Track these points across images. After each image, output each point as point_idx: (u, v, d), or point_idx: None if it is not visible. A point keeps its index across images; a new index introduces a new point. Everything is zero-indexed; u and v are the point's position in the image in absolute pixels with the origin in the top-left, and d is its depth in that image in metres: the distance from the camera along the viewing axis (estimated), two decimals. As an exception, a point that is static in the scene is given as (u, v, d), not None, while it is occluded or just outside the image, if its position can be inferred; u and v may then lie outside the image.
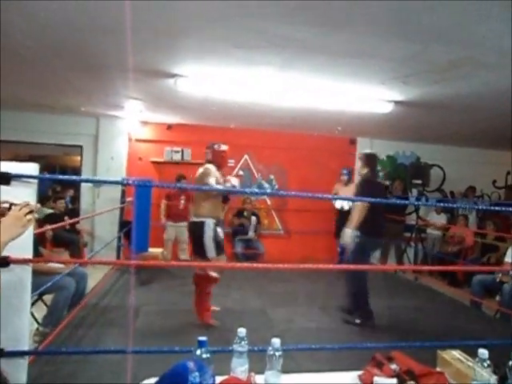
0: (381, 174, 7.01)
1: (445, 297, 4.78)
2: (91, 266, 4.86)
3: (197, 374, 1.14)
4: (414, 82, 3.41)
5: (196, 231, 3.29)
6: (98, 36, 2.77)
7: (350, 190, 5.66)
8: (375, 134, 6.59)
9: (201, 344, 1.20)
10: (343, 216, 5.41)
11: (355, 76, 3.40)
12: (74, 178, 2.51)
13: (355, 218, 3.41)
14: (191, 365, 1.18)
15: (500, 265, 4.68)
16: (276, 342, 1.27)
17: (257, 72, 3.42)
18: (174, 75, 3.61)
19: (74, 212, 6.21)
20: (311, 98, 4.11)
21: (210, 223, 3.26)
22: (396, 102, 4.10)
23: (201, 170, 3.46)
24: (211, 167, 3.43)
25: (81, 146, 6.31)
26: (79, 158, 6.47)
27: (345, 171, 6.02)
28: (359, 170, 3.72)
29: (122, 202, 5.53)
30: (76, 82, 4.08)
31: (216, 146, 3.57)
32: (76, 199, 6.61)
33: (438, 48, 2.64)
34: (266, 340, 2.77)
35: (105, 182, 5.08)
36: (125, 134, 6.23)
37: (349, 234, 3.43)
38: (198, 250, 3.27)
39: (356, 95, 3.99)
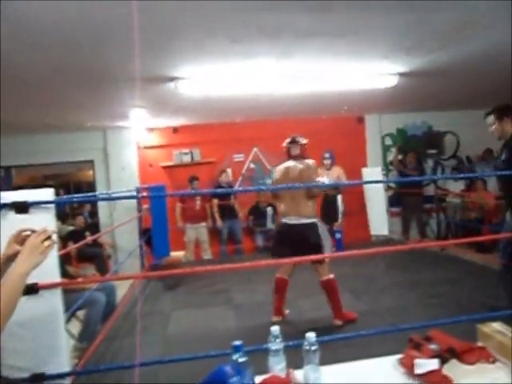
0: (393, 148, 6.90)
1: (474, 265, 4.69)
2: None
3: (236, 378, 1.14)
4: (417, 52, 3.31)
5: (308, 233, 3.03)
6: (95, 49, 2.77)
7: (333, 175, 5.55)
8: (383, 109, 6.47)
9: (236, 348, 1.19)
10: (328, 201, 5.43)
11: (357, 54, 3.32)
12: (89, 196, 2.51)
13: None
14: (229, 369, 1.18)
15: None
16: (311, 336, 1.26)
17: (256, 64, 3.38)
18: (173, 78, 3.60)
19: (94, 226, 6.32)
20: (315, 82, 4.04)
21: (321, 224, 3.13)
22: (401, 74, 4.00)
23: (303, 166, 3.15)
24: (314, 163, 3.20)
25: (92, 161, 6.39)
26: (91, 172, 6.56)
27: (327, 155, 5.70)
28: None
29: (139, 210, 5.58)
30: (79, 98, 4.11)
31: (300, 139, 3.30)
32: (94, 213, 6.72)
33: (436, 14, 2.54)
34: (299, 329, 2.78)
35: (119, 198, 5.11)
36: (133, 142, 6.27)
37: None
38: (313, 250, 2.88)
39: (360, 72, 3.91)
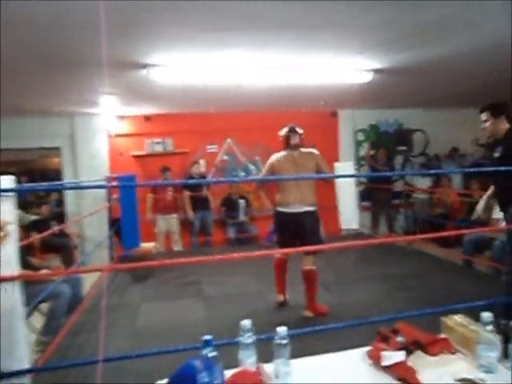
0: (365, 144, 7.03)
1: (438, 259, 4.88)
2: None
3: (205, 373, 1.13)
4: (392, 49, 3.36)
5: (312, 221, 3.13)
6: (63, 33, 2.63)
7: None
8: (357, 105, 6.56)
9: (207, 343, 1.17)
10: None
11: (333, 48, 3.33)
12: (55, 185, 2.36)
13: None
14: (199, 364, 1.16)
15: (488, 222, 4.79)
16: (282, 330, 1.26)
17: (231, 54, 3.33)
18: (146, 65, 3.49)
19: (60, 215, 6.10)
20: (290, 75, 4.03)
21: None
22: (375, 71, 4.06)
23: (313, 155, 3.22)
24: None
25: (59, 148, 6.13)
26: (58, 159, 6.30)
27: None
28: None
29: (109, 200, 5.43)
30: (46, 83, 3.91)
31: (299, 129, 3.29)
32: (61, 202, 6.48)
33: (411, 12, 2.58)
34: (269, 322, 2.79)
35: (88, 188, 4.94)
36: (103, 130, 6.07)
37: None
38: (314, 240, 3.04)
39: (335, 67, 3.93)
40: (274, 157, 3.29)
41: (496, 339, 1.31)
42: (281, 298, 3.33)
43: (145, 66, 3.49)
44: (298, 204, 3.10)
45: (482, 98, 5.98)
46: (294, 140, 3.23)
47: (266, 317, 3.10)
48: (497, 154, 2.64)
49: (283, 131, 3.32)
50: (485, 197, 3.13)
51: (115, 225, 5.15)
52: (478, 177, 6.02)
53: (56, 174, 7.07)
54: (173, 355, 1.76)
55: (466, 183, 6.44)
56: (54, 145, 6.09)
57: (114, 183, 5.25)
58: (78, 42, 2.83)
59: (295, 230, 3.12)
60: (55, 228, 4.40)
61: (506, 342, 1.34)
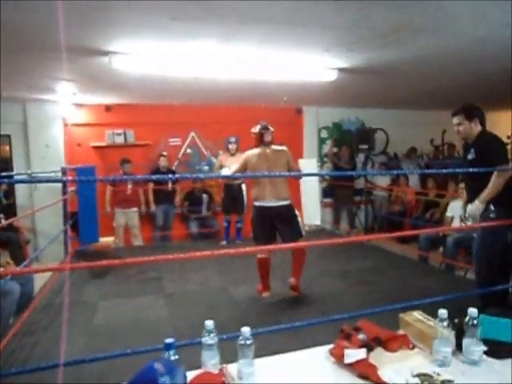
0: (328, 141, 7.16)
1: (396, 255, 5.06)
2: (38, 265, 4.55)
3: (167, 376, 1.09)
4: (357, 49, 3.41)
5: (289, 213, 3.32)
6: (17, 13, 2.43)
7: (238, 161, 5.10)
8: (321, 102, 6.65)
9: (168, 346, 1.13)
10: (232, 190, 5.32)
11: (299, 45, 3.33)
12: (4, 177, 2.18)
13: (493, 189, 2.56)
14: (160, 367, 1.12)
15: (442, 220, 5.03)
16: (246, 330, 1.24)
17: (197, 45, 3.24)
18: (107, 52, 3.32)
19: (9, 208, 5.72)
20: (256, 70, 3.99)
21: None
22: (340, 70, 4.11)
23: (281, 151, 3.42)
24: None
25: (8, 135, 5.74)
26: (7, 147, 5.89)
27: (233, 139, 5.34)
28: (463, 126, 2.70)
29: (65, 192, 5.15)
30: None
31: (270, 127, 3.48)
32: (10, 193, 6.08)
33: (379, 14, 2.62)
34: (232, 318, 2.76)
35: (41, 182, 4.68)
36: (58, 118, 5.74)
37: (477, 207, 2.64)
38: (293, 231, 3.32)
39: (301, 64, 3.94)
40: (249, 153, 3.45)
41: (451, 334, 1.37)
42: (266, 294, 3.48)
43: (106, 53, 3.32)
44: (274, 198, 3.27)
45: (441, 100, 6.30)
46: (267, 137, 3.41)
47: (229, 313, 3.07)
48: (470, 157, 2.69)
49: (256, 128, 3.47)
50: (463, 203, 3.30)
51: (72, 219, 4.91)
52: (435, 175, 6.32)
53: (5, 164, 6.61)
54: (133, 357, 1.69)
55: (422, 182, 6.73)
56: (3, 132, 5.68)
57: (72, 175, 5.00)
58: (32, 24, 2.63)
59: (273, 223, 3.31)
60: (3, 222, 4.11)
61: (459, 336, 1.40)
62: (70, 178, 4.91)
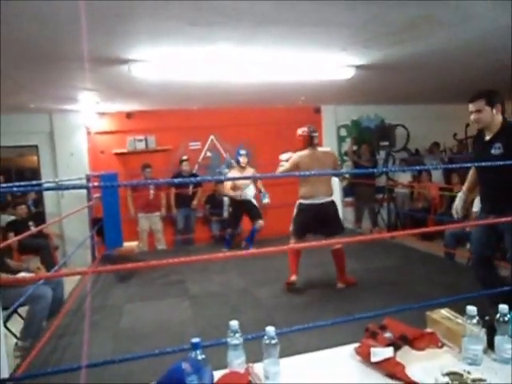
0: (348, 139, 7.09)
1: (420, 252, 4.96)
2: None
3: (195, 376, 1.11)
4: (374, 46, 3.38)
5: (334, 208, 3.62)
6: (41, 26, 2.53)
7: (249, 173, 5.16)
8: (339, 101, 6.59)
9: (195, 346, 1.15)
10: (240, 206, 5.21)
11: (316, 45, 3.32)
12: (33, 185, 2.25)
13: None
14: (187, 367, 1.14)
15: (468, 215, 4.89)
16: (270, 330, 1.25)
17: (215, 49, 3.28)
18: (127, 61, 3.41)
19: (39, 215, 5.93)
20: (274, 71, 4.01)
21: None
22: (357, 67, 4.07)
23: (331, 153, 3.77)
24: None
25: (36, 146, 5.95)
26: (35, 157, 6.11)
27: (243, 151, 5.11)
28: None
29: (89, 199, 5.30)
30: (21, 78, 3.77)
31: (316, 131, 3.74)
32: (39, 201, 6.30)
33: (395, 9, 2.59)
34: (255, 319, 2.77)
35: (68, 189, 4.80)
36: (82, 127, 5.92)
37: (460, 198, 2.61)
38: (338, 225, 3.68)
39: (318, 64, 3.93)
40: (299, 154, 3.60)
41: (481, 332, 1.33)
42: (294, 278, 3.61)
43: (126, 61, 3.40)
44: (322, 195, 3.54)
45: (461, 93, 6.12)
46: (316, 140, 3.65)
47: (252, 313, 3.08)
48: (495, 151, 2.42)
49: (303, 131, 3.66)
50: (461, 193, 2.96)
51: (97, 224, 5.04)
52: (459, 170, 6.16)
53: (33, 173, 6.86)
54: (159, 358, 1.73)
55: (447, 178, 6.57)
56: (31, 142, 5.91)
57: (96, 182, 5.13)
58: (56, 36, 2.74)
59: (319, 218, 3.55)
60: (33, 229, 4.27)
61: (490, 334, 1.36)
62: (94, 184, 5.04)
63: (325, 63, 3.94)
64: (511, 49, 3.62)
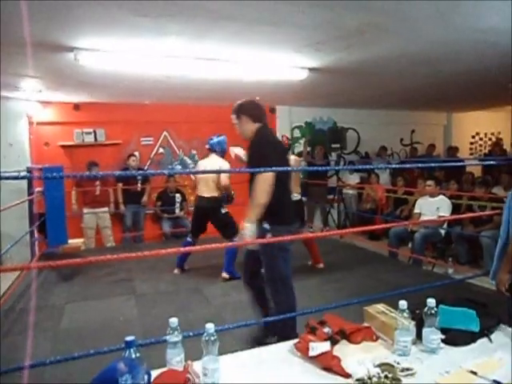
0: (301, 140, 7.24)
1: (367, 251, 5.18)
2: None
3: (128, 375, 1.07)
4: (326, 49, 3.46)
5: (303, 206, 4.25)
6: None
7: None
8: (293, 102, 6.71)
9: (129, 344, 1.12)
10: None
11: (270, 44, 3.35)
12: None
13: (259, 200, 2.17)
14: (122, 366, 1.10)
15: (411, 216, 5.19)
16: (209, 326, 1.24)
17: (168, 43, 3.20)
18: (72, 48, 3.23)
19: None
20: (228, 69, 3.99)
21: None
22: (310, 69, 4.16)
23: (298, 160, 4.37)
24: None
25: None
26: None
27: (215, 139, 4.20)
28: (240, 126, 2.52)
29: (31, 193, 4.98)
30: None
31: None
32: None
33: (347, 15, 2.68)
34: (203, 317, 2.75)
35: (6, 178, 4.48)
36: (23, 116, 5.54)
37: (249, 230, 2.18)
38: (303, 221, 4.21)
39: (272, 64, 3.97)
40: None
41: (411, 324, 1.41)
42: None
43: (71, 49, 3.23)
44: (295, 194, 3.78)
45: (409, 100, 6.48)
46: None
47: (201, 312, 3.06)
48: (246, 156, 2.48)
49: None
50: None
51: (39, 220, 4.75)
52: (404, 174, 6.51)
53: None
54: (99, 358, 1.66)
55: (393, 180, 6.91)
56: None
57: (38, 174, 4.83)
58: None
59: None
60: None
61: (419, 326, 1.45)
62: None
63: (279, 64, 3.99)
64: (454, 60, 3.88)
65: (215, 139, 4.17)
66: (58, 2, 2.33)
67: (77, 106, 5.81)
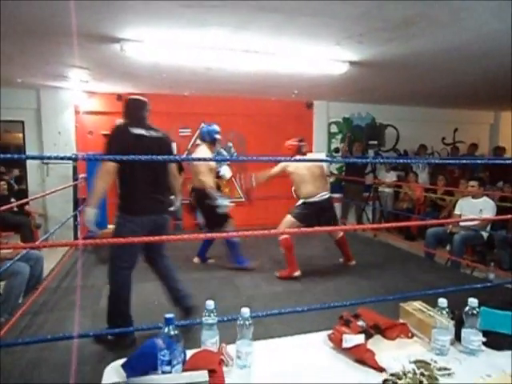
0: (339, 136, 7.12)
1: (402, 251, 5.04)
2: (47, 248, 4.63)
3: (166, 351, 1.12)
4: (369, 41, 3.38)
5: (332, 204, 4.15)
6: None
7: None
8: (331, 97, 6.61)
9: (168, 321, 1.16)
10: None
11: (310, 36, 3.31)
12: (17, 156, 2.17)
13: (95, 187, 2.45)
14: (160, 342, 1.15)
15: (451, 217, 4.99)
16: (245, 311, 1.26)
17: (210, 34, 3.24)
18: (119, 40, 3.34)
19: (21, 193, 5.83)
20: (268, 62, 3.99)
21: None
22: (351, 63, 4.08)
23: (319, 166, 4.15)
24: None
25: (22, 122, 5.82)
26: (21, 134, 5.99)
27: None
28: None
29: (75, 179, 5.23)
30: (8, 51, 3.68)
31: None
32: (23, 179, 6.19)
33: (392, 4, 2.60)
34: (234, 306, 2.79)
35: (53, 158, 4.72)
36: (71, 106, 5.81)
37: (88, 214, 2.41)
38: (335, 217, 4.28)
39: (312, 56, 3.92)
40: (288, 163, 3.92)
41: (450, 323, 1.37)
42: (298, 273, 3.78)
43: (118, 40, 3.34)
44: (322, 192, 3.90)
45: (453, 97, 6.21)
46: (304, 148, 4.07)
47: (232, 301, 3.10)
48: None
49: (293, 142, 4.06)
50: None
51: (82, 205, 4.99)
52: (444, 173, 6.26)
53: (18, 150, 6.72)
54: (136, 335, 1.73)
55: (432, 180, 6.67)
56: (17, 118, 5.77)
57: (82, 162, 5.05)
58: (45, 9, 2.67)
59: (322, 212, 3.89)
60: (14, 205, 4.20)
61: (458, 326, 1.40)
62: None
63: (319, 57, 3.94)
64: (507, 54, 3.67)
65: (205, 128, 4.18)
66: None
67: (120, 97, 6.00)
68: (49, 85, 5.35)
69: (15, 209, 4.72)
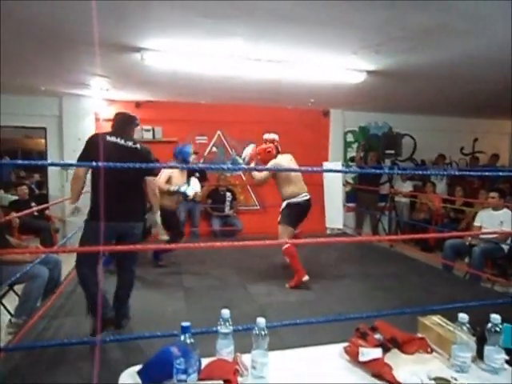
0: (355, 145, 7.08)
1: (418, 262, 4.94)
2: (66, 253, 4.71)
3: (182, 359, 1.12)
4: (386, 51, 3.37)
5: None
6: (52, 7, 2.55)
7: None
8: (348, 105, 6.58)
9: (184, 329, 1.16)
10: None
11: (328, 46, 3.32)
12: (36, 163, 2.40)
13: (70, 192, 2.77)
14: (175, 350, 1.15)
15: (469, 229, 4.88)
16: (261, 321, 1.25)
17: (227, 43, 3.29)
18: (139, 49, 3.42)
19: (41, 198, 5.97)
20: (284, 70, 4.01)
21: None
22: (368, 72, 4.07)
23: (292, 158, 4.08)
24: None
25: (44, 128, 5.98)
26: (43, 140, 6.15)
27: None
28: None
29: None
30: (33, 60, 3.80)
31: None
32: (43, 184, 6.34)
33: (410, 14, 2.59)
34: (248, 314, 2.78)
35: (72, 165, 4.81)
36: (91, 113, 5.94)
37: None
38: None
39: (329, 66, 3.92)
40: (275, 161, 3.90)
41: (471, 340, 1.33)
42: (306, 278, 3.71)
43: (138, 49, 3.42)
44: (305, 193, 3.90)
45: (472, 107, 6.11)
46: (279, 148, 4.02)
47: (245, 309, 3.09)
48: None
49: (268, 141, 4.05)
50: None
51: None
52: (463, 184, 6.14)
53: (40, 156, 6.91)
54: (150, 342, 1.74)
55: (450, 190, 6.55)
56: (39, 124, 5.93)
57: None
58: (68, 19, 2.75)
59: (306, 212, 3.93)
60: (34, 209, 4.30)
61: (480, 343, 1.36)
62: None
63: (336, 66, 3.94)
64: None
65: (179, 148, 4.45)
66: (125, 1, 2.46)
67: (138, 104, 6.12)
68: (71, 92, 5.49)
69: (35, 213, 4.83)
